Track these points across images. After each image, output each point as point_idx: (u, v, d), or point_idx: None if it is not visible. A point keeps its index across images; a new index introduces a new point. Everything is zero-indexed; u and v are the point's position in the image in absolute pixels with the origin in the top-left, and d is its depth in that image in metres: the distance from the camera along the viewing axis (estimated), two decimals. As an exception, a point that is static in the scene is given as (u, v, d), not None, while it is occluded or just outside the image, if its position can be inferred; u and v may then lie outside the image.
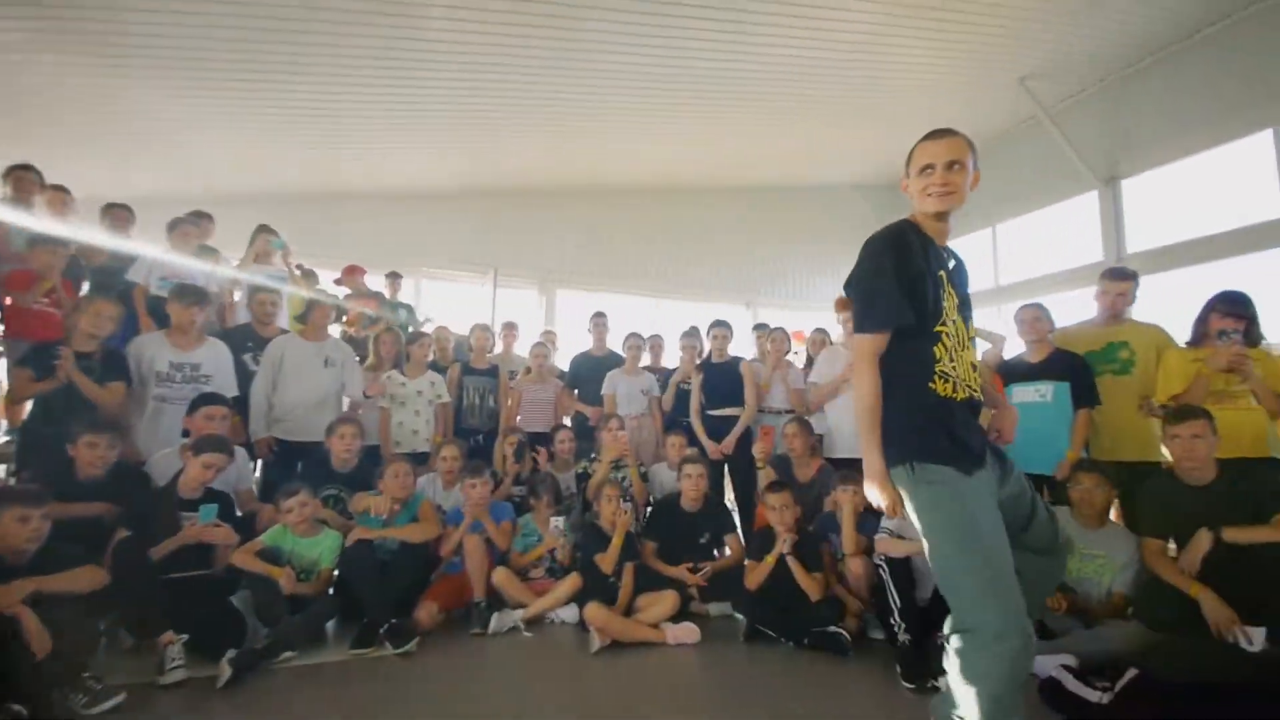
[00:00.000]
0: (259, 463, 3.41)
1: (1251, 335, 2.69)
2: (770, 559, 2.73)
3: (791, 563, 2.68)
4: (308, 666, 2.39)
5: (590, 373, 4.29)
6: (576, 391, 4.38)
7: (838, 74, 6.05)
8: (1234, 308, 2.70)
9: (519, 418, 4.10)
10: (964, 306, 1.61)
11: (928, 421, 1.47)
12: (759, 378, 3.87)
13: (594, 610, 2.59)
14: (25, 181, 3.58)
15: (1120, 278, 3.07)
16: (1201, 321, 2.81)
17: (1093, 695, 1.98)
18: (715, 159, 7.89)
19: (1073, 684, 2.06)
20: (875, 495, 1.52)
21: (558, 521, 3.07)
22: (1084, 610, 2.46)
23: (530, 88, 5.50)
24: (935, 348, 1.49)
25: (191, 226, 3.84)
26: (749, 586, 2.76)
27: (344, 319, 4.68)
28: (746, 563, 2.94)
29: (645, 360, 4.29)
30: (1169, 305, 6.01)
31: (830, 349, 3.79)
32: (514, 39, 4.67)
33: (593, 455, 3.70)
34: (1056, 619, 2.45)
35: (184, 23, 3.88)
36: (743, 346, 4.57)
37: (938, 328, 1.50)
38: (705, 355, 4.11)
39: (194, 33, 3.98)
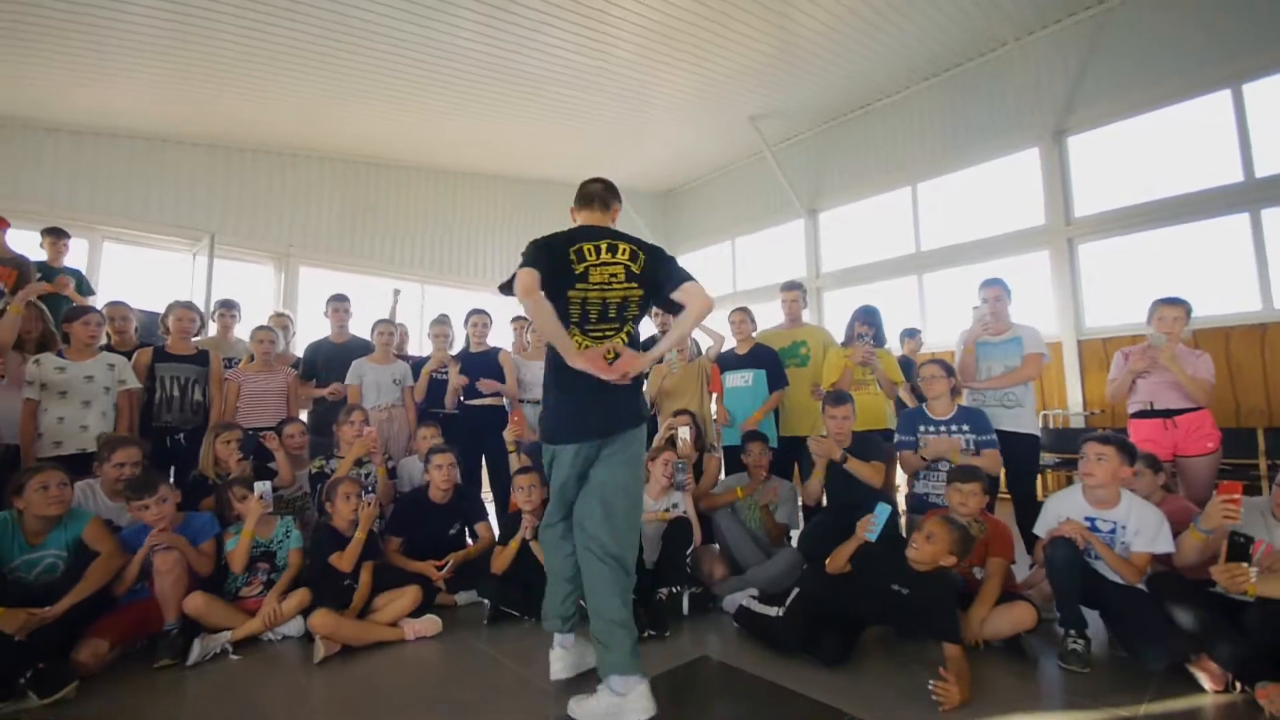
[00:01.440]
0: None
1: (878, 339, 3.65)
2: (514, 543, 2.83)
3: (534, 545, 2.82)
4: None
5: (328, 360, 3.91)
6: (314, 382, 3.95)
7: (605, 85, 6.41)
8: (868, 318, 3.63)
9: (239, 412, 3.54)
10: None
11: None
12: (518, 369, 3.96)
13: (319, 616, 2.38)
14: None
15: (791, 289, 3.92)
16: (850, 328, 3.70)
17: (770, 612, 2.49)
18: (492, 148, 7.74)
19: (758, 607, 2.57)
20: None
21: (262, 486, 2.72)
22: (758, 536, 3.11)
23: (272, 33, 4.75)
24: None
25: None
26: (495, 570, 2.83)
27: None
28: (496, 548, 3.00)
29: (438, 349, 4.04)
30: (842, 311, 7.70)
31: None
32: None
33: (330, 453, 3.39)
34: (740, 543, 3.06)
35: None
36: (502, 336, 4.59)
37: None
38: (464, 344, 4.07)
39: None
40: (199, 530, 2.63)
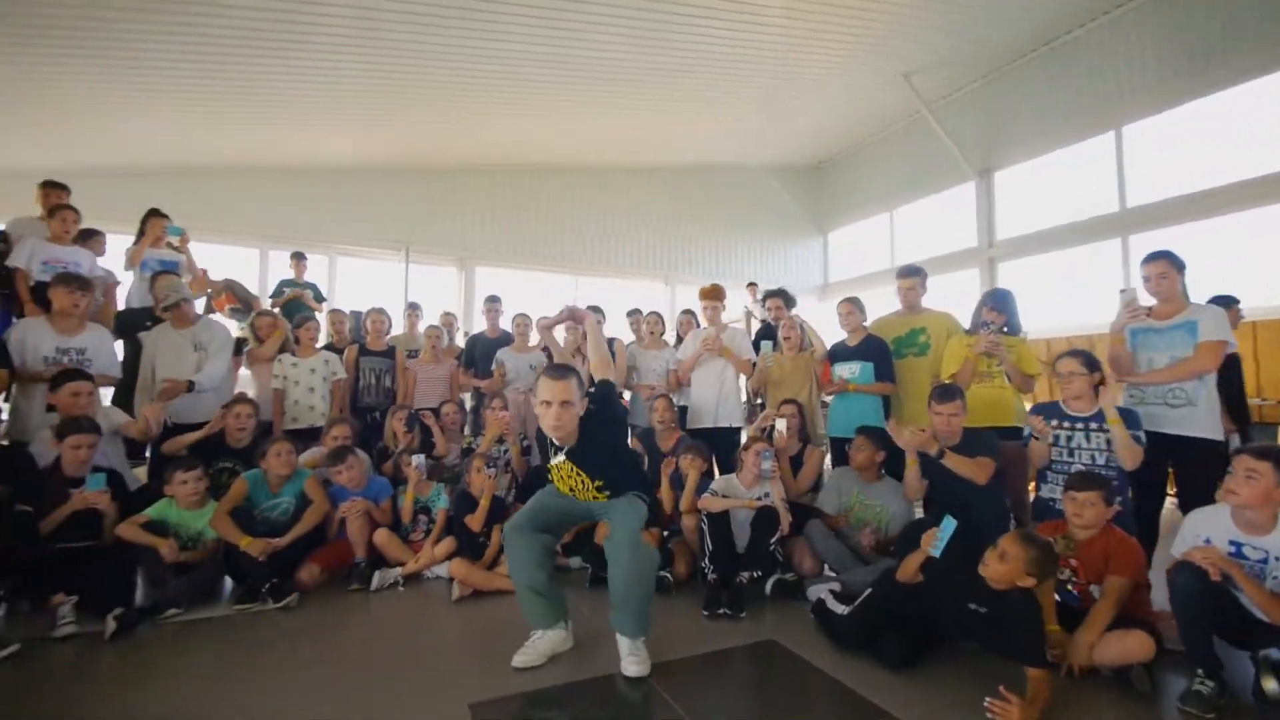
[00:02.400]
0: (148, 446, 3.60)
1: (1010, 326, 3.28)
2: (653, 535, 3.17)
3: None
4: (191, 621, 2.70)
5: (484, 352, 4.61)
6: (473, 370, 4.70)
7: (748, 64, 6.39)
8: (996, 303, 3.27)
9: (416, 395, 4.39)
10: (588, 468, 2.27)
11: None
12: (633, 357, 4.31)
13: (457, 564, 2.98)
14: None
15: (907, 275, 3.62)
16: (977, 313, 3.37)
17: (839, 609, 2.51)
18: (637, 140, 8.14)
19: (830, 602, 2.60)
20: None
21: (418, 459, 3.40)
22: (857, 548, 3.02)
23: (449, 66, 5.61)
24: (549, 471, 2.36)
25: (71, 211, 3.89)
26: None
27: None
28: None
29: (533, 340, 4.60)
30: (1033, 286, 6.80)
31: (694, 331, 4.24)
32: (428, 17, 4.77)
33: (480, 431, 4.06)
34: (833, 551, 3.01)
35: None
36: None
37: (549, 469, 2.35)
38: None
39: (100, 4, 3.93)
40: (379, 491, 3.41)
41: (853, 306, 3.62)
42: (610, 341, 4.38)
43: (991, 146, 7.38)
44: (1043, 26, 6.40)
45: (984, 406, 3.06)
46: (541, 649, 2.27)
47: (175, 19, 4.39)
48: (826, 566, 3.11)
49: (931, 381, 3.50)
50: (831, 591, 2.71)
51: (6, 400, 3.32)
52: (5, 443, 3.19)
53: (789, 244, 9.94)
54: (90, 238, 4.04)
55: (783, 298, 4.48)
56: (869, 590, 2.51)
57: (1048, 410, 2.87)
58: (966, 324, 3.50)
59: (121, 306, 4.22)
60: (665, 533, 3.26)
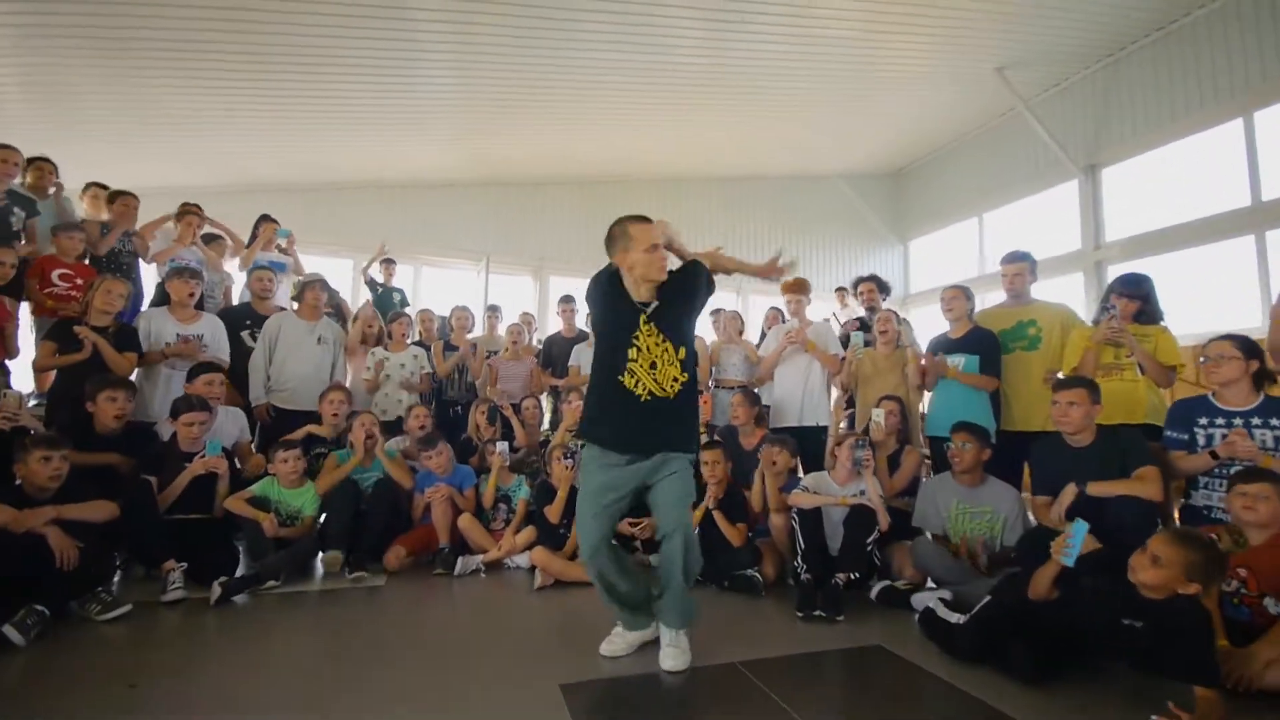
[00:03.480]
0: (258, 426, 3.80)
1: (1148, 313, 2.94)
2: (698, 512, 3.05)
3: (717, 515, 3.00)
4: (289, 593, 2.77)
5: (561, 351, 4.63)
6: (551, 369, 4.72)
7: (826, 69, 6.25)
8: (1128, 288, 2.94)
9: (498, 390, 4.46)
10: (670, 331, 2.07)
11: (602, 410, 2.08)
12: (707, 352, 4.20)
13: (538, 553, 2.94)
14: (44, 171, 4.01)
15: (1012, 260, 3.33)
16: (1104, 300, 3.05)
17: (953, 618, 2.27)
18: (704, 149, 8.12)
19: (942, 611, 2.35)
20: None
21: (502, 446, 3.40)
22: (975, 564, 2.73)
23: (525, 84, 5.77)
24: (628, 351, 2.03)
25: (194, 216, 4.24)
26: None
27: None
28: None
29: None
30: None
31: (778, 326, 4.09)
32: (507, 36, 4.95)
33: (558, 425, 4.05)
34: (947, 568, 2.73)
35: (192, 18, 4.18)
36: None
37: (629, 348, 2.03)
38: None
39: (202, 26, 4.27)
40: (463, 478, 3.45)
41: (959, 293, 3.35)
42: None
43: (1098, 142, 6.84)
44: (1155, 12, 5.91)
45: (1110, 401, 2.72)
46: (631, 639, 2.19)
47: (296, 57, 4.77)
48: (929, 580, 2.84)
49: (1045, 378, 3.19)
50: (942, 600, 2.47)
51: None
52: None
53: (866, 253, 9.57)
54: (212, 241, 4.39)
55: (876, 283, 4.25)
56: (987, 598, 2.26)
57: (1194, 407, 2.53)
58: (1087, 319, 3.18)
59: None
60: (751, 533, 3.10)
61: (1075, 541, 1.97)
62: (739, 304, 8.99)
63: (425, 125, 6.38)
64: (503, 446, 3.44)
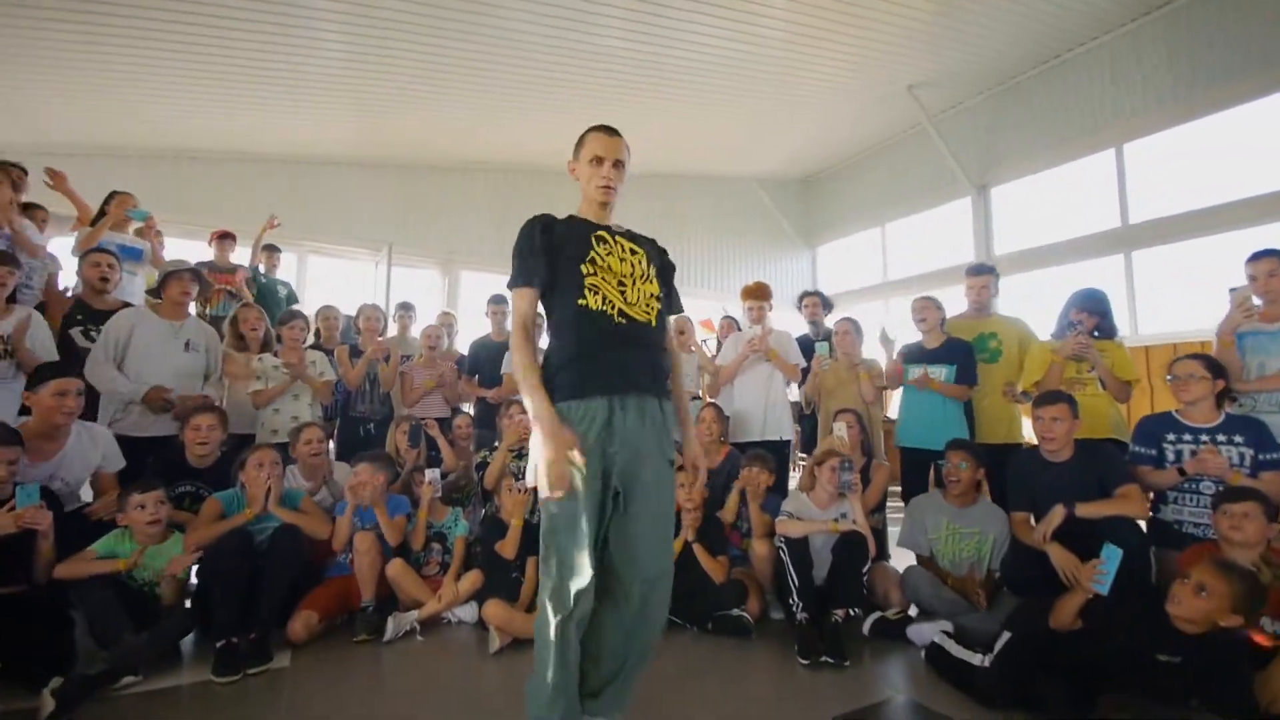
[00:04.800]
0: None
1: (1104, 329, 3.04)
2: (675, 544, 2.72)
3: (696, 549, 2.69)
4: (157, 692, 2.08)
5: (491, 357, 4.10)
6: (476, 378, 4.17)
7: (752, 70, 6.15)
8: (1088, 303, 3.02)
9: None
10: (641, 241, 1.75)
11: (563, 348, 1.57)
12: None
13: (493, 608, 2.45)
14: None
15: (978, 273, 3.37)
16: (1064, 316, 3.12)
17: (975, 659, 2.12)
18: (631, 145, 7.81)
19: (956, 650, 2.21)
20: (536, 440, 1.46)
21: (433, 474, 2.85)
22: (964, 591, 2.63)
23: (438, 58, 5.12)
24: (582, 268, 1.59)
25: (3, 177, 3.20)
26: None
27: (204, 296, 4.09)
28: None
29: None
30: (1030, 303, 6.75)
31: (736, 334, 3.86)
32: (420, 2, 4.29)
33: (494, 445, 3.53)
34: (943, 601, 2.62)
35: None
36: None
37: (583, 263, 1.59)
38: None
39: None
40: (394, 508, 2.81)
41: (930, 303, 3.28)
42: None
43: (990, 161, 7.39)
44: (1040, 45, 6.44)
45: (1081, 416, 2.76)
46: None
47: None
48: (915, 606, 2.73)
49: (1004, 390, 3.23)
50: (946, 633, 2.33)
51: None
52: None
53: (777, 256, 9.76)
54: (29, 211, 3.34)
55: (820, 298, 4.17)
56: (1008, 636, 2.13)
57: (1162, 423, 2.61)
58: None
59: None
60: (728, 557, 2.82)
61: (1109, 568, 1.88)
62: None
63: (316, 92, 5.46)
64: (434, 474, 2.89)
